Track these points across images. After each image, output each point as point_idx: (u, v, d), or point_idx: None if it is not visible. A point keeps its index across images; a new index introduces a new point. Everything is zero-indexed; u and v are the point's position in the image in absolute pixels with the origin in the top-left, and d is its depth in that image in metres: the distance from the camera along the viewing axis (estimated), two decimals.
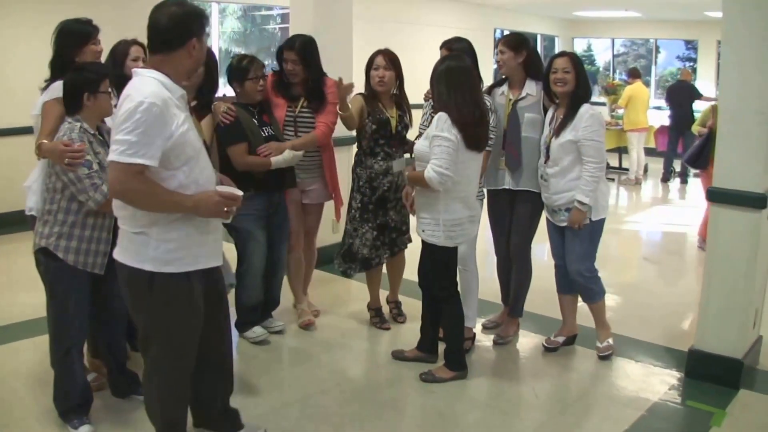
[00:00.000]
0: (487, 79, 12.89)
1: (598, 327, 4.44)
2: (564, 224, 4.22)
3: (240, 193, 2.81)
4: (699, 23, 14.40)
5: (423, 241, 3.98)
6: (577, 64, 4.13)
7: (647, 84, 15.56)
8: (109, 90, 3.29)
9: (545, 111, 4.34)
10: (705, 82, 13.86)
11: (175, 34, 2.66)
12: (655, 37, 16.23)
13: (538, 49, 15.66)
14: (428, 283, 4.10)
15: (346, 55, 5.87)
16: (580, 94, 4.12)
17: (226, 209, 2.73)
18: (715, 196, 4.00)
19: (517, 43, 4.32)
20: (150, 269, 2.69)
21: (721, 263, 4.01)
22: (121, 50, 3.93)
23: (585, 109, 4.09)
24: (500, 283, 4.83)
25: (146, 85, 2.60)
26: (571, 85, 4.09)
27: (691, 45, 16.04)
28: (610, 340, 4.42)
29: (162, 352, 2.84)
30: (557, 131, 4.12)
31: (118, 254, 2.78)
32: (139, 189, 2.57)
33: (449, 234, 3.87)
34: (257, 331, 4.49)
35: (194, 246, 2.76)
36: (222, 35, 10.34)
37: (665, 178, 11.59)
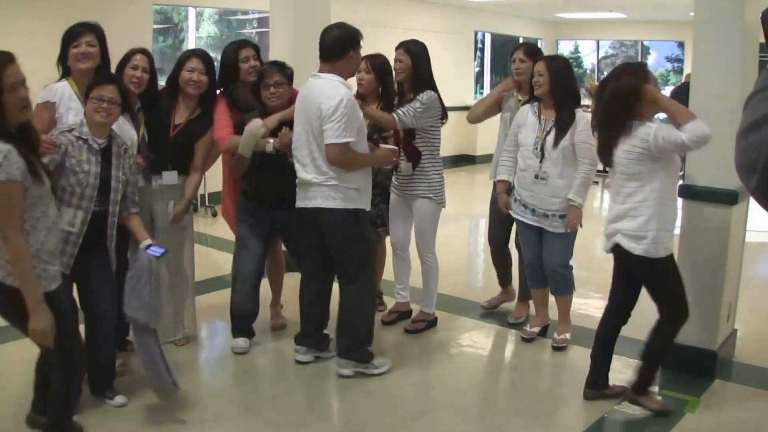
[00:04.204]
0: (468, 81, 13.20)
1: (561, 320, 4.79)
2: (559, 230, 4.49)
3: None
4: (685, 24, 14.60)
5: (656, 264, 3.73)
6: (552, 67, 4.45)
7: None
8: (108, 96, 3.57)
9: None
10: None
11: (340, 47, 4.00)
12: (642, 39, 16.59)
13: None
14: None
15: None
16: (567, 97, 4.47)
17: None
18: (687, 192, 4.30)
19: (536, 54, 4.87)
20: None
21: (695, 258, 4.29)
22: (123, 58, 4.18)
23: (581, 114, 4.46)
24: (496, 268, 5.39)
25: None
26: (546, 87, 4.44)
27: (681, 45, 16.36)
28: (568, 335, 4.76)
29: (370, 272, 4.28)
30: (557, 134, 4.43)
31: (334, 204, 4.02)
32: (355, 156, 4.04)
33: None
34: (239, 341, 4.60)
35: None
36: (198, 40, 10.57)
37: None
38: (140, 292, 3.58)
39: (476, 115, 5.18)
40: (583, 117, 4.46)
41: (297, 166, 4.13)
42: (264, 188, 4.51)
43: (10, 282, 2.88)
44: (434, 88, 4.70)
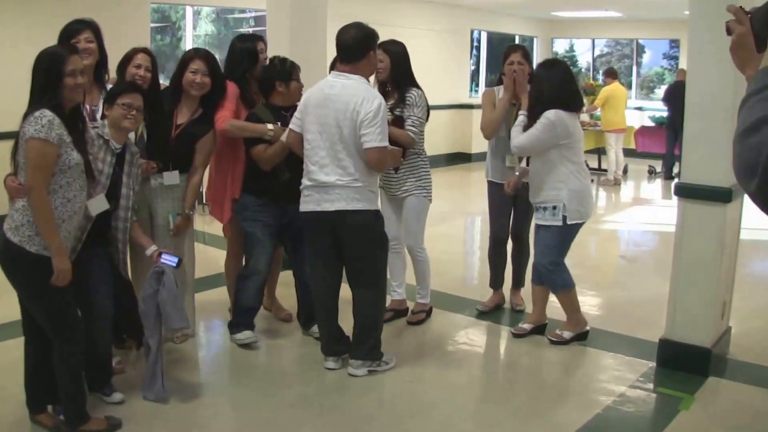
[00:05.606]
0: (464, 80, 13.21)
1: (567, 319, 4.80)
2: (541, 222, 4.65)
3: None
4: (681, 22, 14.74)
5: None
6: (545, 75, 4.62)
7: (629, 84, 16.00)
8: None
9: None
10: None
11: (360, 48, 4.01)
12: (637, 37, 16.61)
13: None
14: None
15: (321, 56, 6.17)
16: (538, 99, 4.58)
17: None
18: (682, 191, 4.32)
19: (530, 57, 5.09)
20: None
21: (689, 256, 4.31)
22: (125, 57, 4.18)
23: (547, 113, 4.50)
24: (491, 266, 5.39)
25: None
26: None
27: (675, 43, 16.39)
28: (566, 334, 4.76)
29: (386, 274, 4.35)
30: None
31: (359, 205, 3.99)
32: (387, 158, 4.09)
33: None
34: (246, 333, 4.60)
35: None
36: (196, 39, 10.55)
37: (667, 176, 11.98)
38: (173, 302, 3.73)
39: (492, 130, 5.09)
40: (546, 116, 4.48)
41: (312, 168, 4.04)
42: (291, 183, 4.42)
43: (35, 249, 3.16)
44: (417, 86, 4.80)
